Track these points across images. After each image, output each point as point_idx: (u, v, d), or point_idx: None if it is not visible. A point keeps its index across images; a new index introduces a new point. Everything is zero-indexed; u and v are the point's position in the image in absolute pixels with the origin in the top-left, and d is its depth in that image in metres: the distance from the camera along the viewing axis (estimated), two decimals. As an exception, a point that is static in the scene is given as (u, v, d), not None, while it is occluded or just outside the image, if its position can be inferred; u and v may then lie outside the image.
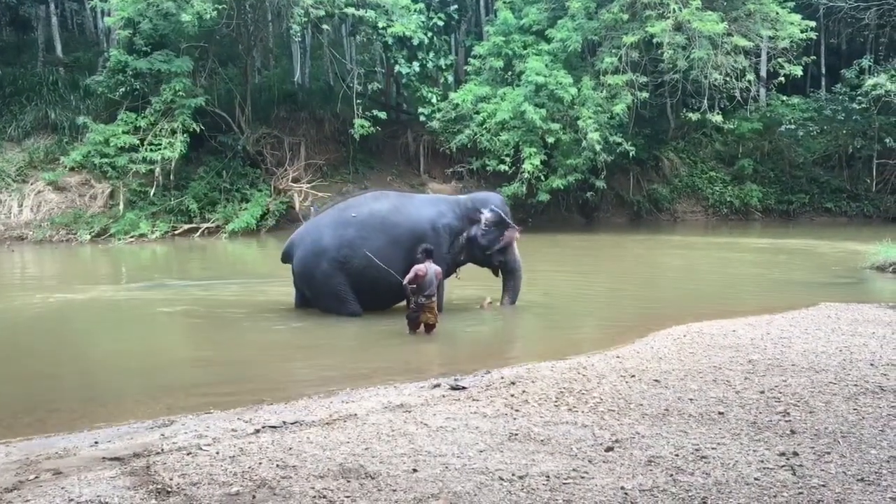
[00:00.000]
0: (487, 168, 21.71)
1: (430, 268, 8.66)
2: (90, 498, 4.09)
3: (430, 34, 22.74)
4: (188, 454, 4.80)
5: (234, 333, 9.44)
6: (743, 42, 20.59)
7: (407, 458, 4.64)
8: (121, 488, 4.24)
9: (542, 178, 21.19)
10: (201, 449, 4.90)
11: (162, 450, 4.94)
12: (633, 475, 4.31)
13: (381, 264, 9.29)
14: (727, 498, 3.99)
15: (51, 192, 21.47)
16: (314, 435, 5.13)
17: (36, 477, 4.52)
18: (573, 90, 20.96)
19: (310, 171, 23.87)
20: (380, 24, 21.69)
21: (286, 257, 10.24)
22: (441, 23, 23.68)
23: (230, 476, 4.38)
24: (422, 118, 23.01)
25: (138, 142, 21.01)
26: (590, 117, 20.57)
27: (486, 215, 10.12)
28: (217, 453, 4.79)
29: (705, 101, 21.49)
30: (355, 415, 5.62)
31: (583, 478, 4.28)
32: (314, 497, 4.07)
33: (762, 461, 4.48)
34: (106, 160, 20.96)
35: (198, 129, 21.39)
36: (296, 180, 23.15)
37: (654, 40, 20.66)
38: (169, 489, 4.20)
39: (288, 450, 4.82)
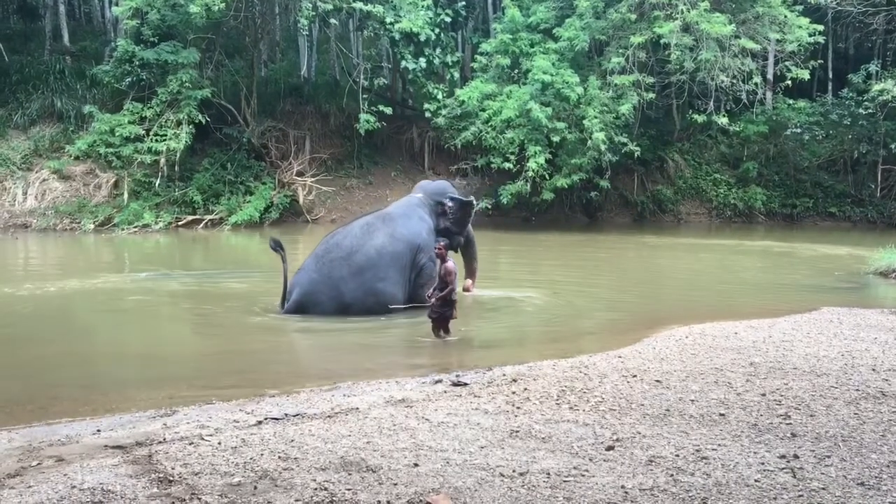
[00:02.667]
0: (492, 166, 21.70)
1: (455, 264, 8.63)
2: (92, 485, 4.11)
3: (437, 31, 22.73)
4: (190, 444, 4.81)
5: (236, 325, 9.45)
6: (750, 44, 20.54)
7: (408, 452, 4.65)
8: (123, 476, 4.26)
9: (547, 176, 21.18)
10: (203, 439, 4.92)
11: (164, 439, 4.96)
12: (634, 474, 4.32)
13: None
14: (727, 499, 4.00)
15: (55, 180, 21.52)
16: (316, 427, 5.15)
17: (38, 463, 4.54)
18: (579, 89, 20.94)
19: (314, 165, 23.90)
20: (387, 20, 21.68)
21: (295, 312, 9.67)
22: (448, 19, 23.66)
23: (232, 466, 4.40)
24: (427, 114, 22.99)
25: (144, 132, 21.03)
26: (595, 117, 20.54)
27: (449, 204, 10.48)
28: (219, 444, 4.80)
29: (711, 103, 21.46)
30: (357, 408, 5.64)
31: (583, 476, 4.29)
32: (315, 489, 4.08)
33: (762, 463, 4.49)
34: (111, 150, 20.97)
35: (203, 121, 21.42)
36: (300, 174, 23.17)
37: (662, 41, 20.63)
38: (171, 478, 4.22)
39: (290, 442, 4.84)
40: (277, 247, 9.61)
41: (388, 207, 10.58)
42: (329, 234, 10.08)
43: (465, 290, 10.70)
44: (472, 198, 11.13)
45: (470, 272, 10.98)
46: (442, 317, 8.45)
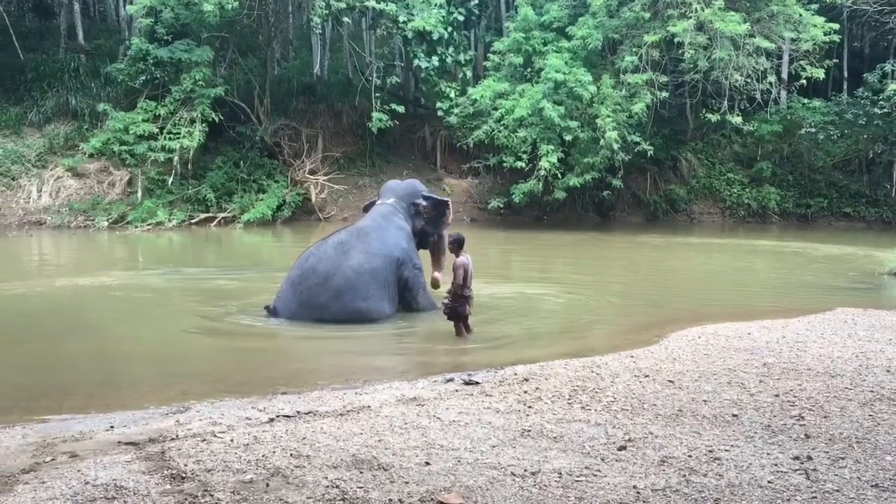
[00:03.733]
0: (504, 165, 21.68)
1: (469, 259, 8.58)
2: (106, 481, 4.13)
3: (449, 29, 22.69)
4: (203, 441, 4.83)
5: (249, 322, 9.47)
6: (765, 43, 20.41)
7: (419, 450, 4.66)
8: (136, 473, 4.28)
9: (559, 175, 21.13)
10: (216, 436, 4.94)
11: (177, 436, 4.98)
12: (646, 475, 4.31)
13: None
14: (740, 500, 3.98)
15: (70, 178, 21.66)
16: (328, 425, 5.16)
17: (52, 459, 4.57)
18: (592, 88, 20.87)
19: (327, 164, 23.94)
20: (400, 19, 21.69)
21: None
22: (461, 18, 23.60)
23: (244, 464, 4.42)
24: (439, 113, 22.97)
25: (157, 130, 21.13)
26: (608, 116, 20.48)
27: (423, 204, 10.19)
28: (231, 441, 4.82)
29: (725, 102, 21.33)
30: (369, 407, 5.65)
31: (595, 476, 4.28)
32: (327, 487, 4.09)
33: (776, 464, 4.47)
34: (125, 148, 21.07)
35: (216, 119, 21.51)
36: (313, 172, 23.22)
37: (676, 40, 20.51)
38: (184, 475, 4.24)
39: (301, 439, 4.85)
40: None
41: (362, 220, 10.07)
42: (303, 257, 9.64)
43: (434, 282, 10.11)
44: (447, 198, 10.69)
45: (438, 265, 10.40)
46: (455, 312, 8.43)
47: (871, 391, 6.02)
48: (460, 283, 8.36)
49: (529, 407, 5.58)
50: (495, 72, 23.11)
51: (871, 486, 4.18)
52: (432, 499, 3.95)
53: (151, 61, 21.34)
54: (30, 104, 23.00)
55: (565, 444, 4.79)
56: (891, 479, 4.26)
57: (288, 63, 27.41)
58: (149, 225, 20.50)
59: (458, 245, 8.65)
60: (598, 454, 4.63)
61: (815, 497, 4.02)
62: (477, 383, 6.31)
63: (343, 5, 21.15)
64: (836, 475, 4.32)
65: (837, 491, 4.10)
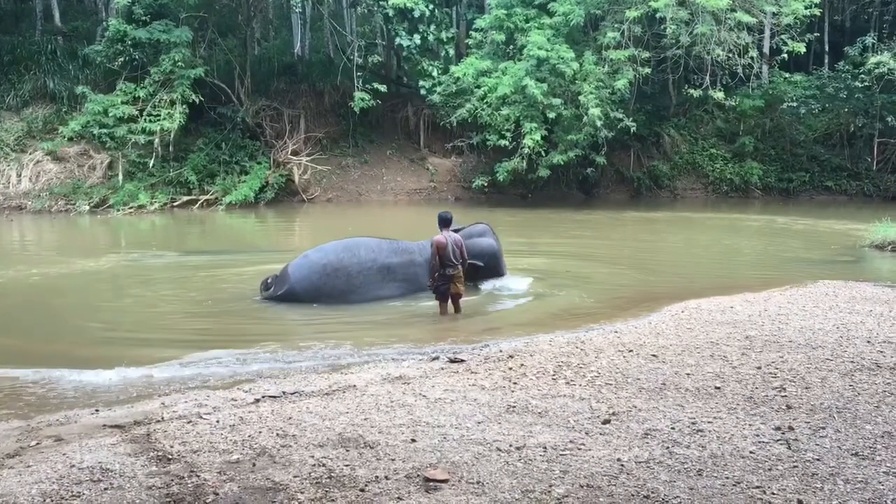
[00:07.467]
0: (488, 143, 21.64)
1: (449, 237, 8.54)
2: (91, 464, 4.13)
3: (431, 6, 22.49)
4: (188, 422, 4.84)
5: (234, 305, 9.45)
6: (746, 18, 20.42)
7: (406, 428, 4.68)
8: (122, 455, 4.28)
9: (543, 153, 21.13)
10: (201, 417, 4.94)
11: (162, 418, 4.98)
12: (630, 447, 4.35)
13: None
14: (722, 470, 4.03)
15: (49, 162, 21.43)
16: (314, 405, 5.17)
17: (37, 443, 4.56)
18: (575, 65, 20.83)
19: (309, 144, 23.81)
20: (381, -4, 21.52)
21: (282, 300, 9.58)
22: (442, -5, 23.50)
23: (230, 444, 4.42)
24: (422, 92, 22.88)
25: (137, 112, 20.94)
26: (591, 93, 20.45)
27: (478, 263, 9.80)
28: (217, 422, 4.83)
29: (707, 78, 21.36)
30: (354, 386, 5.66)
31: (580, 449, 4.32)
32: (314, 465, 4.10)
33: (758, 435, 4.52)
34: (105, 130, 20.89)
35: (197, 101, 21.33)
36: (295, 153, 23.08)
37: (658, 15, 20.50)
38: (170, 456, 4.24)
39: (287, 419, 4.86)
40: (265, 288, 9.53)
41: (421, 243, 9.78)
42: (351, 242, 9.60)
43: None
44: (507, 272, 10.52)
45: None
46: (438, 291, 8.48)
47: (852, 362, 6.09)
48: (440, 262, 8.39)
49: (514, 383, 5.61)
50: (478, 49, 23.01)
51: (852, 454, 4.24)
52: (418, 475, 3.98)
53: (130, 42, 21.09)
54: (7, 88, 22.67)
55: (550, 419, 4.83)
56: (870, 448, 4.33)
57: (268, 43, 27.15)
58: (130, 208, 20.35)
59: (442, 223, 8.64)
60: (583, 428, 4.67)
61: (797, 466, 4.08)
62: (462, 361, 6.34)
63: (323, -17, 20.94)
64: (817, 444, 4.38)
65: (818, 460, 4.16)
